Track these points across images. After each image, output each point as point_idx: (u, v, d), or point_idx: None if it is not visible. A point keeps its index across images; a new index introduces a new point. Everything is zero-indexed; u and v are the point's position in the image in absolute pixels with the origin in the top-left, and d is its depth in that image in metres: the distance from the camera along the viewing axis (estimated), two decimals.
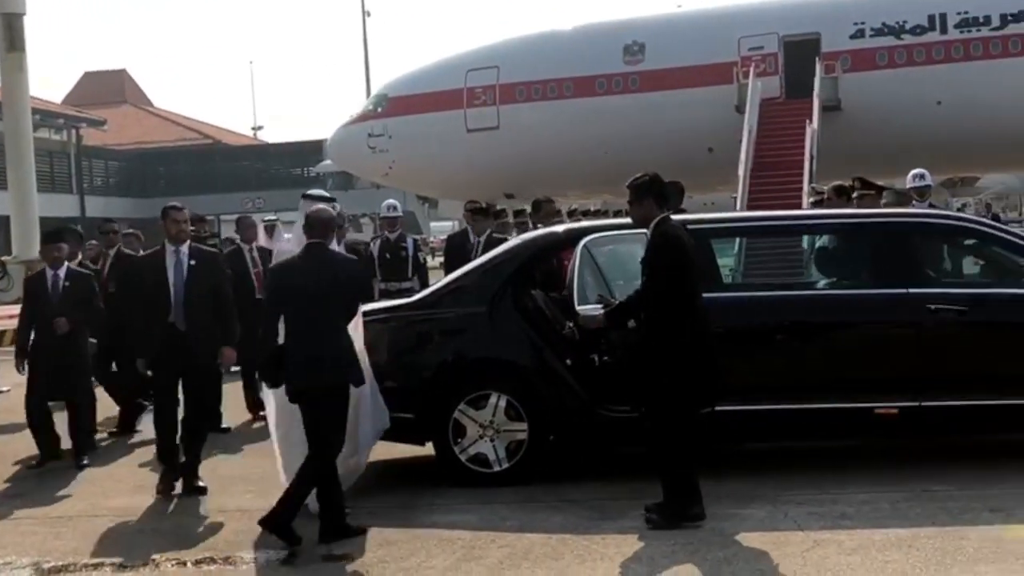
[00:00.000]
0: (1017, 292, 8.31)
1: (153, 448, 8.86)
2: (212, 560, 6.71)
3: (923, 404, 7.77)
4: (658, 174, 7.24)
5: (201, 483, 8.33)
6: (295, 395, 7.00)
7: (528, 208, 17.33)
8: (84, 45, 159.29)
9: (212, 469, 8.78)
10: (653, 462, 7.03)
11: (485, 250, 11.76)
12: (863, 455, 8.42)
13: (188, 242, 8.54)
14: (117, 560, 6.78)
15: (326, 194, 8.06)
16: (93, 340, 10.30)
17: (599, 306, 7.45)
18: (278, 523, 6.80)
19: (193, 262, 8.42)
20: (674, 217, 7.39)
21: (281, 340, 7.09)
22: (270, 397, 7.61)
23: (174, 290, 8.33)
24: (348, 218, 13.32)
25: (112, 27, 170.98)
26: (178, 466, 8.34)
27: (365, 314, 7.70)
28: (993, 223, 9.89)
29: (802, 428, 8.09)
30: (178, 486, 8.34)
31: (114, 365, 11.13)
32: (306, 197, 8.01)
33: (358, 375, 7.15)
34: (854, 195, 10.70)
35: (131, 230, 12.77)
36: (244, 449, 10.08)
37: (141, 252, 11.93)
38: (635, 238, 7.37)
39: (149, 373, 8.72)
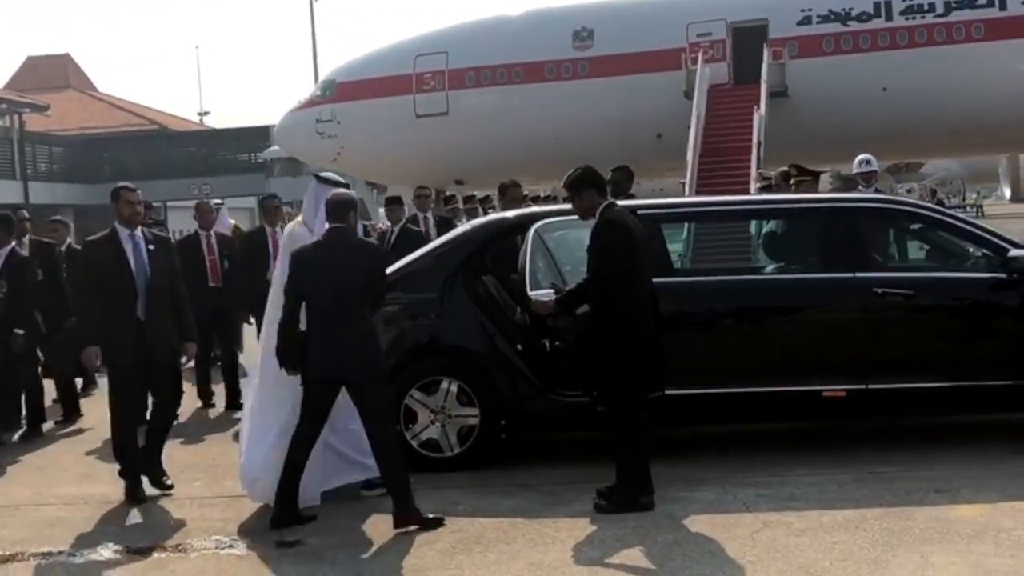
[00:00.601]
0: (961, 276, 8.44)
1: (99, 434, 8.74)
2: (162, 548, 6.66)
3: (870, 387, 7.85)
4: (590, 166, 7.25)
5: (168, 480, 8.04)
6: (312, 385, 6.87)
7: (478, 194, 17.34)
8: (27, 29, 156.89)
9: (163, 457, 8.67)
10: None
11: (399, 240, 11.83)
12: (811, 437, 8.50)
13: (140, 226, 8.02)
14: (65, 549, 6.73)
15: (340, 178, 7.61)
16: (20, 331, 10.00)
17: (551, 292, 7.46)
18: (409, 515, 6.72)
19: (152, 246, 7.93)
20: (623, 203, 7.39)
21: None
22: (251, 389, 7.54)
23: (137, 277, 7.79)
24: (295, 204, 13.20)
25: (55, 11, 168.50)
26: (139, 469, 7.91)
27: None
28: (938, 208, 10.02)
29: (750, 411, 8.16)
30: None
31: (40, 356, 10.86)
32: (320, 180, 7.53)
33: (381, 366, 7.01)
34: (791, 182, 10.82)
35: (57, 217, 12.47)
36: (195, 437, 10.02)
37: (69, 240, 11.72)
38: (586, 223, 7.37)
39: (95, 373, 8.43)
